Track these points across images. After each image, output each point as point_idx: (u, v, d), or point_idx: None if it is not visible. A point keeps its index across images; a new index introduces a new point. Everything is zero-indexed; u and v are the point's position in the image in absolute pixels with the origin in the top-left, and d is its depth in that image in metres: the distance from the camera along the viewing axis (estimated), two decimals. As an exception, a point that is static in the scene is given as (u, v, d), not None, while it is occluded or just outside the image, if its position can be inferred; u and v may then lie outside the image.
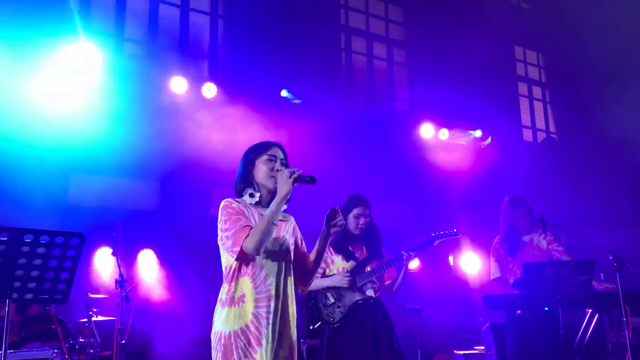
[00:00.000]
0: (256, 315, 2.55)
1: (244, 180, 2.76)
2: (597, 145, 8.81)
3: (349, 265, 4.02)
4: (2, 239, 2.32)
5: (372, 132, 8.02)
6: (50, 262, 2.40)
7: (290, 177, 2.56)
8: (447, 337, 7.42)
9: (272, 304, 2.57)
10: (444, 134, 8.56)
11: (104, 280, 6.14)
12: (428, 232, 4.18)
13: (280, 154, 2.77)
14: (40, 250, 2.37)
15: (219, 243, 2.65)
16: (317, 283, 4.03)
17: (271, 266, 2.63)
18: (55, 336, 4.96)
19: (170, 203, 6.88)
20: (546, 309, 3.98)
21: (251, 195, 2.72)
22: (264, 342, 2.51)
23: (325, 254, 4.04)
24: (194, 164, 6.50)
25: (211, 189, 7.13)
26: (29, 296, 2.43)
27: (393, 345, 3.84)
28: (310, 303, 4.08)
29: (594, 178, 8.39)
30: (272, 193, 2.66)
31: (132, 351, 5.79)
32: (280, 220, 2.74)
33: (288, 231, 2.78)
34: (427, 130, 8.46)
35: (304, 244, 2.92)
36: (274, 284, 2.60)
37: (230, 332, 2.53)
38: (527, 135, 10.30)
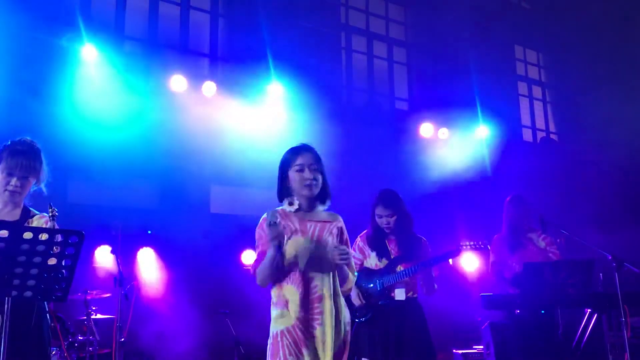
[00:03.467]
0: (300, 318, 2.62)
1: (282, 190, 2.87)
2: (596, 145, 8.80)
3: (381, 263, 4.01)
4: (1, 236, 2.32)
5: (372, 131, 8.01)
6: (50, 260, 2.39)
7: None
8: (446, 336, 7.41)
9: (321, 305, 2.64)
10: (444, 133, 8.56)
11: (103, 278, 6.14)
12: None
13: (308, 160, 2.81)
14: (40, 248, 2.36)
15: None
16: None
17: (315, 268, 2.69)
18: (54, 334, 4.95)
19: (169, 202, 6.88)
20: (542, 312, 3.99)
21: (290, 204, 2.80)
22: (309, 342, 2.59)
23: (363, 247, 4.08)
24: (194, 162, 6.49)
25: (210, 188, 7.13)
26: (28, 294, 2.42)
27: (416, 348, 3.83)
28: None
29: (592, 178, 8.39)
30: (309, 199, 2.78)
31: (131, 349, 5.79)
32: (324, 220, 2.82)
33: (332, 232, 2.81)
34: (427, 130, 8.46)
35: (349, 245, 2.95)
36: (319, 285, 2.67)
37: (277, 332, 2.66)
38: (527, 134, 10.29)
